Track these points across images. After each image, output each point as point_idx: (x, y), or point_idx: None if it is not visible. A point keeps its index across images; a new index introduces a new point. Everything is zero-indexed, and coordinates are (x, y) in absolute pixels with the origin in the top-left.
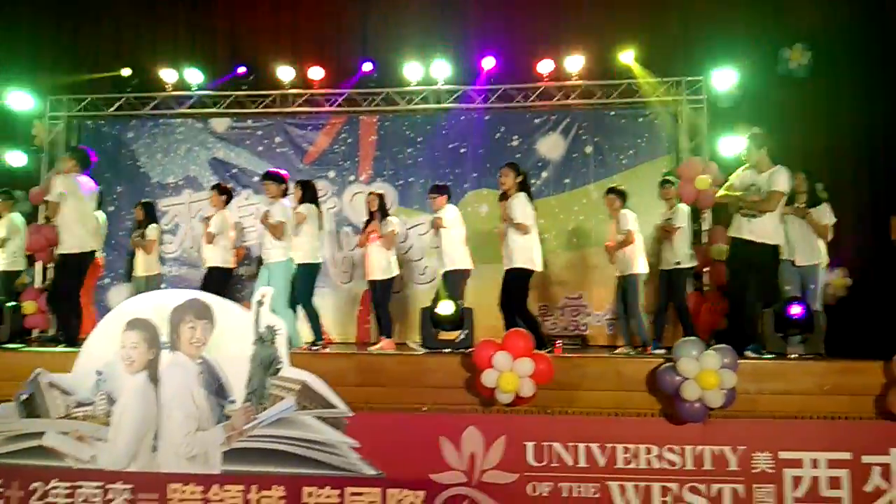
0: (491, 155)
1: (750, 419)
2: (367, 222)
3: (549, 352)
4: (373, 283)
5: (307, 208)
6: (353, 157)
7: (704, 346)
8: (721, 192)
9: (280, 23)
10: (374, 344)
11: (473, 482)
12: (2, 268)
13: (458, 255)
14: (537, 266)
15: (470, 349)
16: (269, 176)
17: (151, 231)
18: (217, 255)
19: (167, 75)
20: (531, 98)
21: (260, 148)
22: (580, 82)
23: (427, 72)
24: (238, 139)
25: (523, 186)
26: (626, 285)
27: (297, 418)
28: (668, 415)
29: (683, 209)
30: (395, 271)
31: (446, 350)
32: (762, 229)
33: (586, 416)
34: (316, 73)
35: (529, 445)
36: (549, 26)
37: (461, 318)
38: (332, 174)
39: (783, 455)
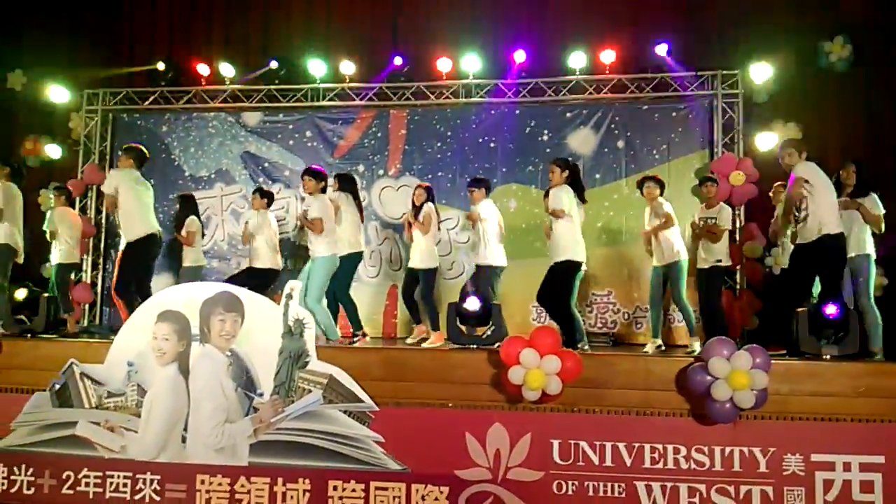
0: (521, 149)
1: (781, 421)
2: (415, 215)
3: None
4: (412, 271)
5: (338, 195)
6: (383, 151)
7: (735, 345)
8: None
9: (312, 17)
10: (405, 338)
11: (498, 479)
12: (58, 260)
13: (490, 251)
14: (582, 258)
15: (497, 345)
16: (308, 172)
17: (190, 224)
18: (262, 257)
19: (201, 69)
20: (562, 92)
21: (291, 142)
22: (612, 76)
23: (458, 66)
24: (269, 133)
25: (571, 181)
26: (668, 273)
27: (323, 412)
28: (698, 415)
29: (728, 210)
30: (435, 262)
31: (473, 346)
32: (820, 222)
33: (614, 415)
34: (347, 67)
35: (555, 443)
36: (582, 19)
37: (488, 314)
38: (361, 168)
39: (815, 458)
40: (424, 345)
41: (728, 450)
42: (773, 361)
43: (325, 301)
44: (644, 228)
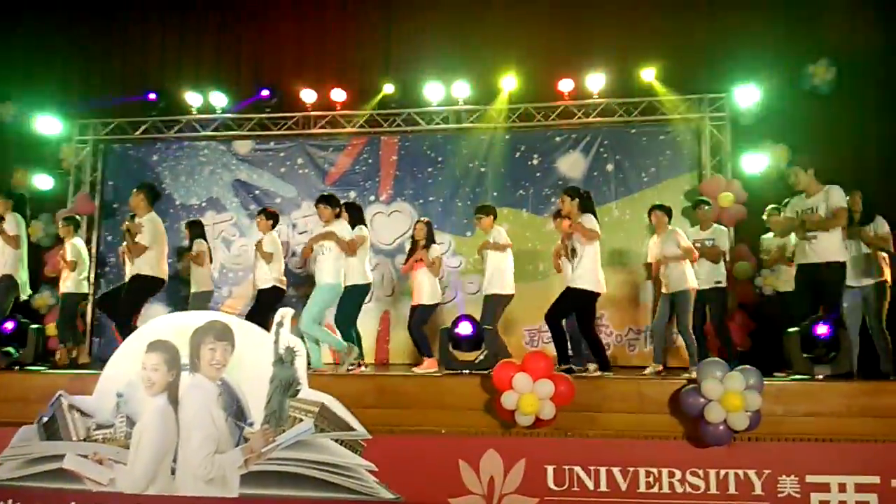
0: (511, 174)
1: (776, 442)
2: (412, 250)
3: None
4: (417, 307)
5: (361, 230)
6: (374, 177)
7: (728, 367)
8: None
9: (303, 46)
10: (416, 365)
11: None
12: (68, 290)
13: (500, 280)
14: (602, 288)
15: (489, 370)
16: (322, 199)
17: (199, 244)
18: (269, 276)
19: (192, 99)
20: (551, 117)
21: (282, 169)
22: (601, 100)
23: (448, 92)
24: (261, 161)
25: (586, 208)
26: (675, 301)
27: (315, 441)
28: (692, 438)
29: (724, 230)
30: (439, 298)
31: (465, 371)
32: (825, 248)
33: (608, 439)
34: (338, 94)
35: (550, 469)
36: (570, 45)
37: (480, 338)
38: (352, 194)
39: (810, 479)
40: (417, 370)
41: (723, 472)
42: (766, 382)
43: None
44: (647, 254)
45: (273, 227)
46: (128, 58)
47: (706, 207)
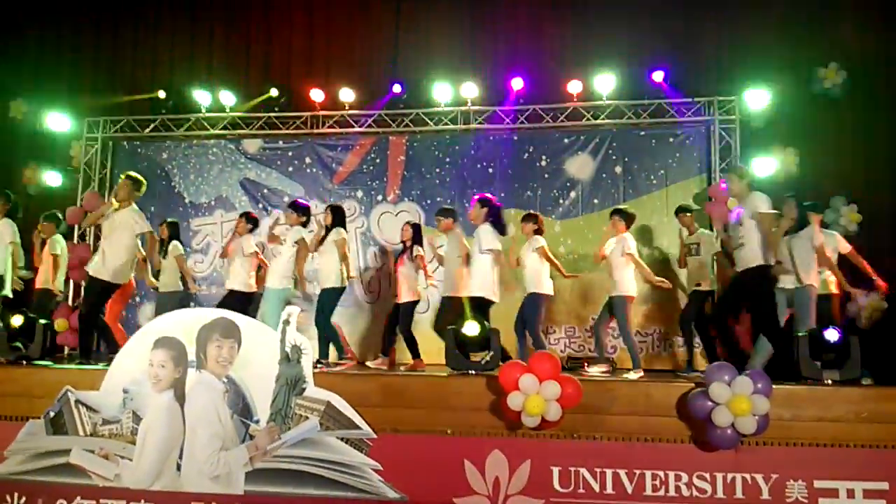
0: (519, 175)
1: (784, 447)
2: (402, 252)
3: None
4: (395, 305)
5: (338, 233)
6: (382, 177)
7: (736, 370)
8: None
9: (312, 46)
10: (403, 365)
11: None
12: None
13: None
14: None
15: (494, 371)
16: (292, 205)
17: (174, 248)
18: (237, 279)
19: (201, 97)
20: (560, 118)
21: (290, 168)
22: (610, 102)
23: (456, 92)
24: (269, 160)
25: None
26: (612, 304)
27: (320, 439)
28: (699, 441)
29: (710, 234)
30: (418, 295)
31: (471, 372)
32: (744, 256)
33: (614, 442)
34: (346, 94)
35: (555, 470)
36: (579, 46)
37: (486, 339)
38: (360, 194)
39: (818, 484)
40: (402, 369)
41: (730, 476)
42: (774, 386)
43: None
44: (601, 251)
45: (306, 223)
46: (137, 56)
47: (688, 214)
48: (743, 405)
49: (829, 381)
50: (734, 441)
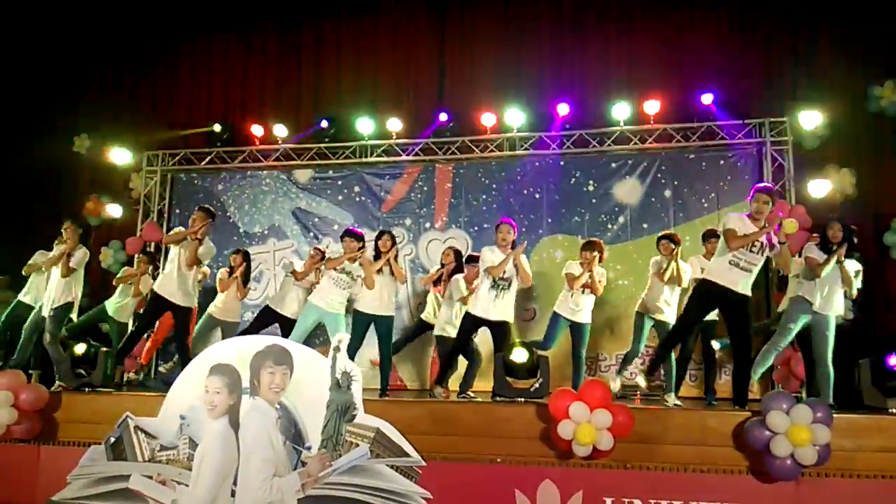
0: (566, 200)
1: (847, 479)
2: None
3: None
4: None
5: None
6: (429, 204)
7: (794, 399)
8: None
9: (360, 76)
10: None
11: None
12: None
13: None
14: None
15: (543, 398)
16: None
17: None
18: None
19: (255, 130)
20: (607, 143)
21: (340, 197)
22: (658, 126)
23: (502, 119)
24: (319, 189)
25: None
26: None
27: (370, 466)
28: (757, 472)
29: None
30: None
31: (520, 399)
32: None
33: (668, 472)
34: (394, 124)
35: (609, 501)
36: (625, 69)
37: (536, 366)
38: (408, 221)
39: None
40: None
41: None
42: (835, 415)
43: None
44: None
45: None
46: (193, 91)
47: (714, 240)
48: (802, 435)
49: (894, 410)
50: (795, 472)
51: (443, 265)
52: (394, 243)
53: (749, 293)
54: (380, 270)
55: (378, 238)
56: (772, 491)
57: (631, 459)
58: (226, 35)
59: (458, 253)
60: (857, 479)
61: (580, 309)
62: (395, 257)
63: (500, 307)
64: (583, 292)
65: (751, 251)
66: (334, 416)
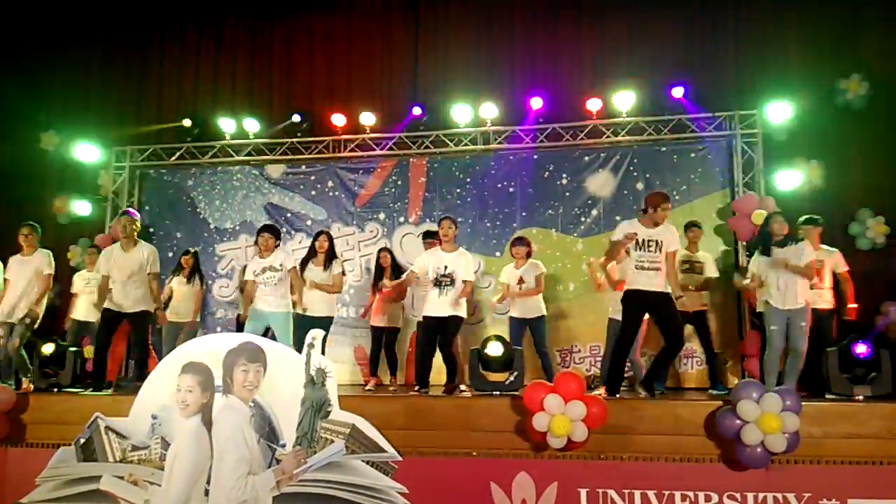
0: (540, 194)
1: (816, 465)
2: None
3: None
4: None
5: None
6: (404, 198)
7: (764, 388)
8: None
9: (333, 71)
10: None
11: None
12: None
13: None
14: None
15: (518, 391)
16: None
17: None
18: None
19: (225, 124)
20: (580, 136)
21: (313, 192)
22: (630, 119)
23: (476, 113)
24: (292, 184)
25: None
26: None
27: (346, 462)
28: (729, 460)
29: (709, 255)
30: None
31: (496, 392)
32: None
33: (642, 462)
34: (367, 118)
35: (583, 492)
36: (598, 64)
37: (511, 359)
38: (382, 216)
39: (852, 502)
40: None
41: (761, 496)
42: (804, 403)
43: None
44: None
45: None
46: (163, 86)
47: (696, 229)
48: (772, 423)
49: (861, 397)
50: (764, 460)
51: (381, 266)
52: (330, 243)
53: (668, 289)
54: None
55: (315, 238)
56: (743, 478)
57: (605, 450)
58: (196, 28)
59: (391, 254)
60: (824, 465)
61: (527, 306)
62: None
63: (445, 303)
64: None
65: (648, 251)
66: (309, 412)
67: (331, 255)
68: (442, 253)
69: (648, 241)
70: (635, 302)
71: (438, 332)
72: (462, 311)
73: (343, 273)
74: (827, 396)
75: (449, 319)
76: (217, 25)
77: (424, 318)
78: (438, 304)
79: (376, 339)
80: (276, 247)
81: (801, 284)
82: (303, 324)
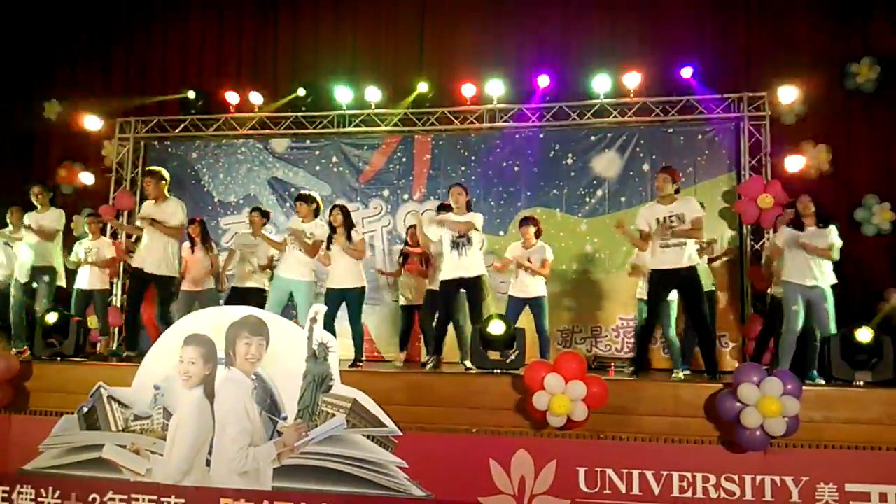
0: (545, 173)
1: (814, 449)
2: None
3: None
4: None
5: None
6: (408, 175)
7: (765, 371)
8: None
9: (339, 45)
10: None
11: None
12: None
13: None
14: None
15: (519, 370)
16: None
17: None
18: None
19: (230, 97)
20: (587, 116)
21: (317, 167)
22: (637, 99)
23: (482, 91)
24: (296, 159)
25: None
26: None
27: (346, 436)
28: (728, 442)
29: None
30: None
31: (497, 371)
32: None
33: (641, 442)
34: (373, 93)
35: (581, 471)
36: (605, 43)
37: (513, 338)
38: (386, 192)
39: (849, 487)
40: None
41: (759, 478)
42: (804, 388)
43: None
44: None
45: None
46: (167, 57)
47: None
48: (772, 406)
49: (861, 383)
50: (763, 443)
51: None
52: (346, 216)
53: (695, 262)
54: (329, 245)
55: (330, 212)
56: (741, 460)
57: (604, 430)
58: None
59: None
60: (823, 449)
61: (528, 285)
62: (350, 232)
63: (466, 264)
64: (526, 270)
65: (671, 227)
66: (310, 386)
67: (349, 225)
68: (454, 216)
69: (670, 217)
70: (660, 282)
71: (459, 294)
72: (484, 270)
73: (363, 238)
74: (818, 381)
75: (472, 281)
76: None
77: (443, 282)
78: (459, 265)
79: (406, 318)
80: (316, 215)
81: (821, 263)
82: (333, 297)
